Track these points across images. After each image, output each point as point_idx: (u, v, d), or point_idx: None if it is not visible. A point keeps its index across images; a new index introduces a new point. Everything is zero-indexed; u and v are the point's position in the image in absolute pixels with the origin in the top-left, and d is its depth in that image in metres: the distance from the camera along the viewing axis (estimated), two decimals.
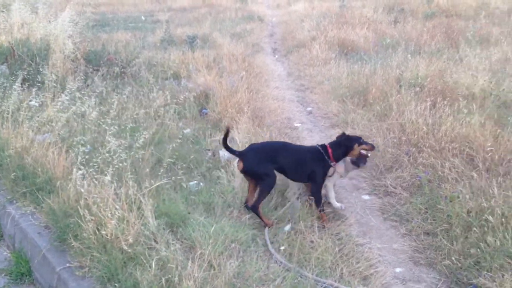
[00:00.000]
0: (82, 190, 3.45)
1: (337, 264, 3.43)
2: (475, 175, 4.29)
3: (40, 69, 7.08)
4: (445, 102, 5.65)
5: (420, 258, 3.69)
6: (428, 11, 12.99)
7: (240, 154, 3.93)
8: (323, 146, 4.10)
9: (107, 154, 3.95)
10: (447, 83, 6.56)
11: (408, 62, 7.70)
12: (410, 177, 4.71)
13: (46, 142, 4.72)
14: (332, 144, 4.13)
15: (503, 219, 3.52)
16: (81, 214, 3.34)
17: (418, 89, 6.48)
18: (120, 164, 3.95)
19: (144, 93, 6.80)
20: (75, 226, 3.43)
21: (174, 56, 9.11)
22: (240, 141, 5.19)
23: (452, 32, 10.46)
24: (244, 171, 3.91)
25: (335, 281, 3.23)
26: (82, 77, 7.57)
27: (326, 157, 4.02)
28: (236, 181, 4.39)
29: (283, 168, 4.00)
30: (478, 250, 3.43)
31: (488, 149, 4.64)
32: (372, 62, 8.26)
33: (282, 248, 3.56)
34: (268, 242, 3.62)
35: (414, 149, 5.05)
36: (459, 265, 3.44)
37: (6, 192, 4.38)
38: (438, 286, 3.37)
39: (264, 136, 5.44)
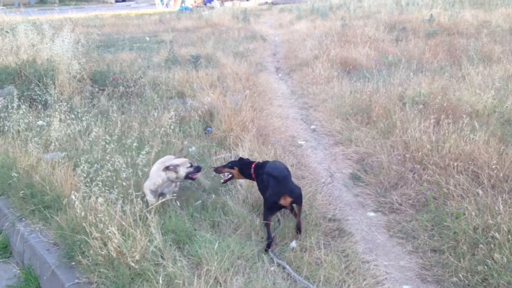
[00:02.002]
0: (82, 209, 3.49)
1: (344, 281, 3.43)
2: (480, 192, 4.30)
3: (47, 89, 7.18)
4: (449, 120, 5.69)
5: (427, 275, 3.68)
6: (429, 30, 13.11)
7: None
8: None
9: (111, 173, 4.01)
10: (450, 101, 6.61)
11: (411, 80, 7.77)
12: (416, 194, 4.72)
13: (53, 161, 4.78)
14: None
15: (509, 236, 3.53)
16: (88, 231, 3.37)
17: (421, 106, 6.53)
18: (125, 183, 4.00)
19: (149, 112, 6.87)
20: (83, 243, 3.45)
21: (178, 75, 9.21)
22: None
23: (454, 50, 10.55)
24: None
25: None
26: (88, 97, 7.69)
27: None
28: (240, 198, 4.42)
29: None
30: (485, 267, 3.43)
31: (493, 166, 4.66)
32: (374, 80, 8.32)
33: (282, 266, 3.56)
34: (278, 260, 3.63)
35: (418, 166, 5.08)
36: (467, 282, 3.43)
37: (15, 210, 4.42)
38: None
39: (269, 154, 5.48)
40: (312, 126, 7.40)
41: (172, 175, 4.17)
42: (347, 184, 5.35)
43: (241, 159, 4.43)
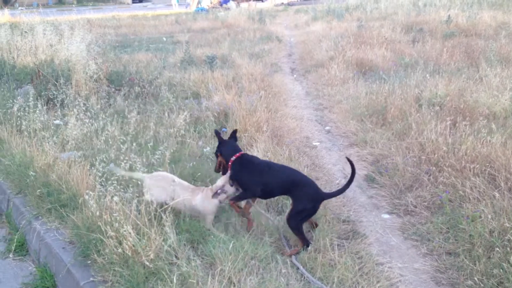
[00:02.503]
0: (97, 209, 3.53)
1: (358, 283, 3.41)
2: (497, 194, 4.24)
3: (64, 89, 7.28)
4: (466, 122, 5.62)
5: (442, 278, 3.65)
6: (447, 31, 12.97)
7: None
8: None
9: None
10: (467, 102, 6.54)
11: (427, 81, 7.70)
12: (431, 196, 4.68)
13: (69, 160, 4.84)
14: None
15: None
16: (103, 230, 3.41)
17: (437, 108, 6.47)
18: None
19: (165, 112, 6.92)
20: (98, 242, 3.49)
21: (193, 76, 9.26)
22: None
23: (472, 51, 10.43)
24: None
25: None
26: (105, 97, 7.77)
27: None
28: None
29: None
30: (501, 270, 3.38)
31: (510, 169, 4.59)
32: (390, 81, 8.26)
33: (296, 267, 3.56)
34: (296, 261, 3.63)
35: (434, 168, 5.03)
36: (482, 285, 3.39)
37: (32, 208, 4.49)
38: None
39: (284, 155, 5.48)
40: (327, 127, 7.38)
41: (223, 197, 3.99)
42: (361, 186, 5.32)
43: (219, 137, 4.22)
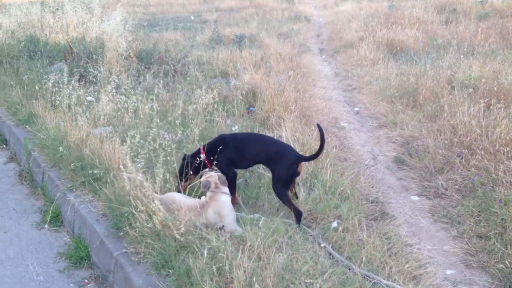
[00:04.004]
0: (128, 184, 3.56)
1: (386, 263, 3.40)
2: None
3: (96, 66, 7.37)
4: (500, 104, 5.48)
5: (472, 261, 3.61)
6: (481, 12, 12.60)
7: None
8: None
9: (156, 148, 4.09)
10: (502, 85, 6.36)
11: (461, 63, 7.52)
12: (462, 179, 4.61)
13: (101, 135, 4.93)
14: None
15: None
16: (133, 204, 3.48)
17: (471, 90, 6.32)
18: (170, 158, 4.08)
19: (193, 90, 6.95)
20: (130, 215, 3.56)
21: (222, 55, 9.25)
22: (287, 139, 5.23)
23: (507, 33, 10.12)
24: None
25: (384, 279, 3.21)
26: (135, 75, 7.85)
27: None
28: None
29: None
30: None
31: None
32: (422, 63, 8.10)
33: (322, 245, 3.56)
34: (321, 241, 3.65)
35: (466, 151, 4.94)
36: None
37: (66, 181, 4.60)
38: None
39: (312, 135, 5.46)
40: (356, 108, 7.31)
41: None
42: (390, 167, 5.28)
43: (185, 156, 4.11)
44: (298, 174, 3.91)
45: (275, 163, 3.85)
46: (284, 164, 3.80)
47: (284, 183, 3.82)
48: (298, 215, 3.78)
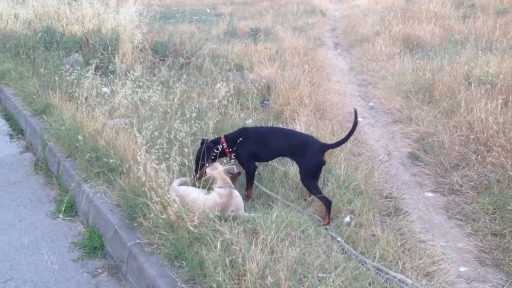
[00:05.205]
0: (143, 175, 3.59)
1: (399, 258, 3.39)
2: None
3: (111, 58, 7.41)
4: None
5: (486, 259, 3.59)
6: (500, 7, 12.38)
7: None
8: None
9: (170, 140, 4.10)
10: None
11: (478, 59, 7.41)
12: (478, 176, 4.56)
13: (117, 127, 4.96)
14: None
15: None
16: (148, 195, 3.50)
17: (488, 86, 6.23)
18: (185, 150, 4.10)
19: (208, 83, 6.96)
20: (144, 206, 3.59)
21: (237, 48, 9.23)
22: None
23: None
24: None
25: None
26: (150, 67, 7.88)
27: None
28: (294, 170, 4.42)
29: None
30: None
31: None
32: (439, 58, 8.01)
33: (338, 239, 3.56)
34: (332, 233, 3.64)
35: (482, 147, 4.89)
36: None
37: (81, 171, 4.65)
38: (505, 287, 3.27)
39: (326, 129, 5.44)
40: (371, 103, 7.26)
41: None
42: (404, 163, 5.25)
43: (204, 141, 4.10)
44: (324, 163, 3.91)
45: (301, 155, 3.87)
46: (310, 155, 3.82)
47: (313, 175, 3.84)
48: (328, 205, 3.79)
